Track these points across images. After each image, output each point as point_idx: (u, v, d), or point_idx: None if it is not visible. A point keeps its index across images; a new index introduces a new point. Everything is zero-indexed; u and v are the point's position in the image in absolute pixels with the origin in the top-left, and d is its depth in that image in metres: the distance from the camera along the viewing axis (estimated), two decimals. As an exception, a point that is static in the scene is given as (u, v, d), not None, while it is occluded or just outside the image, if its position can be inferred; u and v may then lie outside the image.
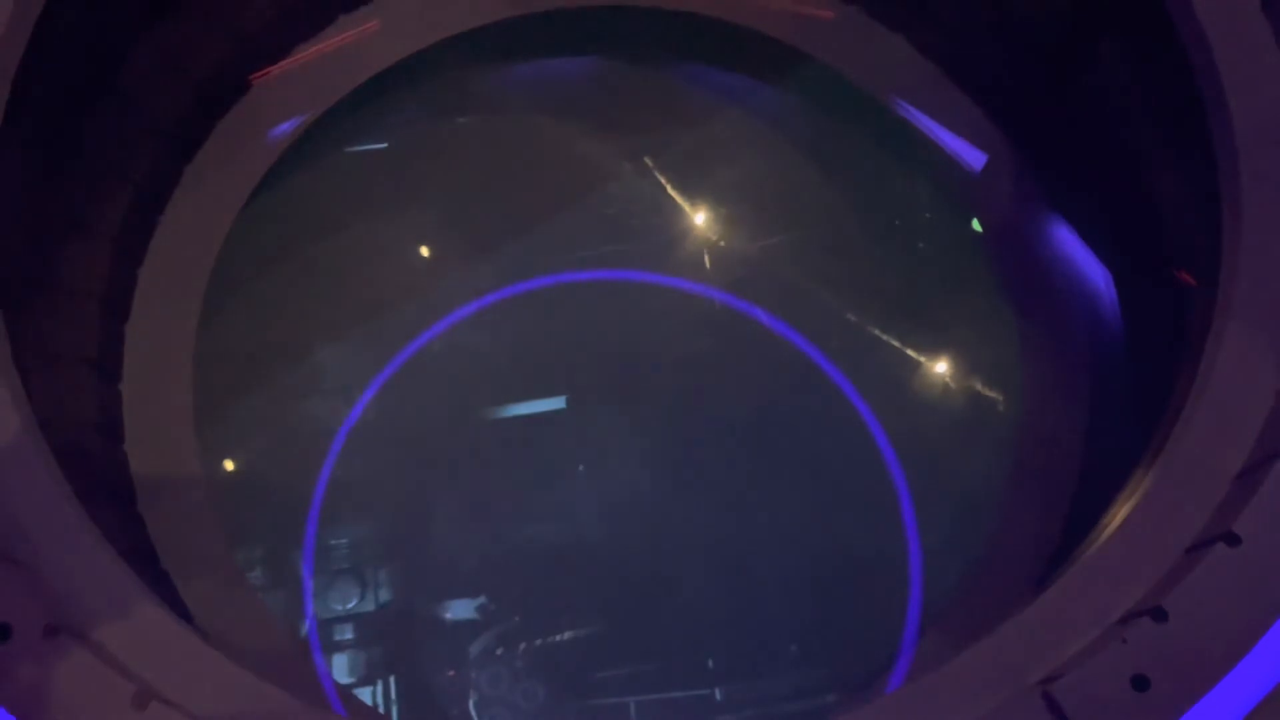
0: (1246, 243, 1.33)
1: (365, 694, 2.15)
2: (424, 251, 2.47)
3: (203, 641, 1.14)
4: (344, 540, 2.24)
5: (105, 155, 1.99)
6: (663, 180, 2.48)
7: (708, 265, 2.43)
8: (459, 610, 2.21)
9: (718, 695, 2.15)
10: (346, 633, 2.20)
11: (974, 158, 2.34)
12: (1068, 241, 2.21)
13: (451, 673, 2.17)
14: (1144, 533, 1.11)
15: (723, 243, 2.46)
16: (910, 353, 2.35)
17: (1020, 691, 1.04)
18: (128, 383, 2.03)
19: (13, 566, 1.06)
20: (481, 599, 2.21)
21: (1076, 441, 1.99)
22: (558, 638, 2.20)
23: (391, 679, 2.17)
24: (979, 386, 2.31)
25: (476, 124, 2.53)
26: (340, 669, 2.17)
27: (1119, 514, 1.22)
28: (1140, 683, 1.00)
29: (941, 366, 2.35)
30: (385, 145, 2.48)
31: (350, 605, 2.21)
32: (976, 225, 2.36)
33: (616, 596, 2.22)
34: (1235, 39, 1.44)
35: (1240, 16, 1.41)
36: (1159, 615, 1.03)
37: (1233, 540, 1.05)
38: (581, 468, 2.30)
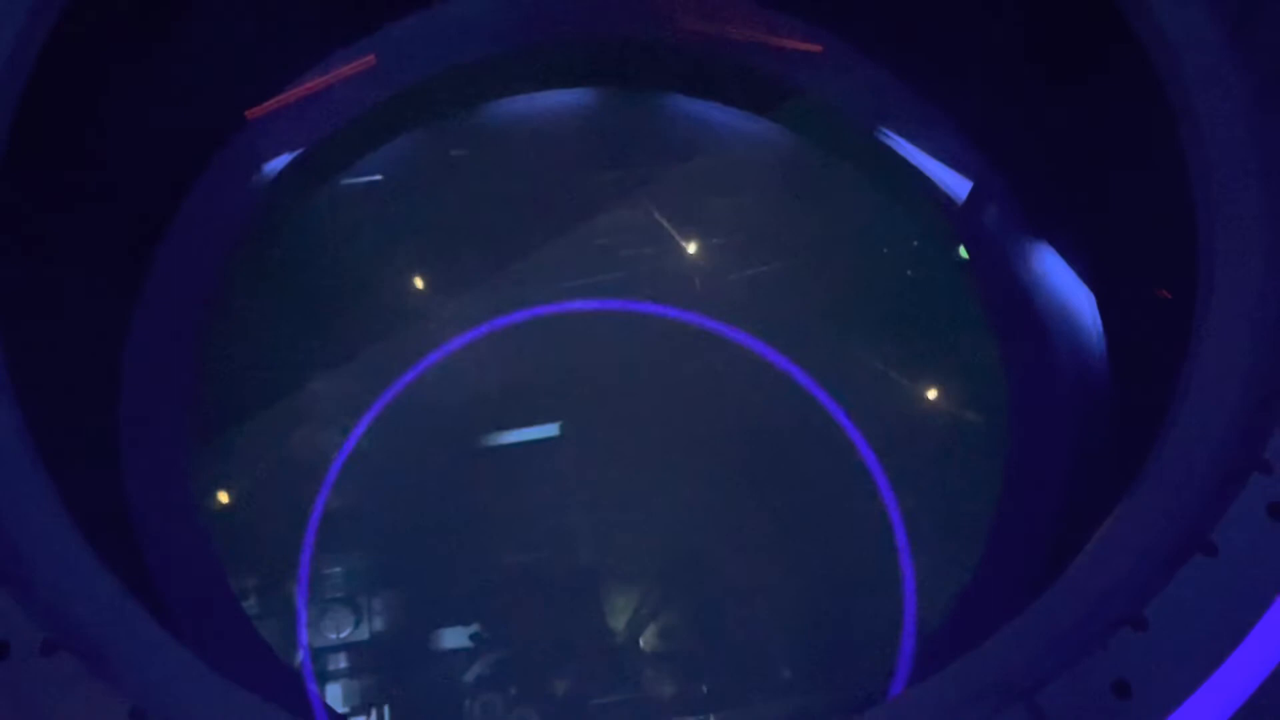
0: (1220, 265, 1.37)
1: (359, 722, 2.15)
2: (418, 283, 2.50)
3: (200, 661, 1.15)
4: (338, 569, 2.24)
5: (102, 187, 2.02)
6: (654, 211, 2.52)
7: (699, 294, 2.46)
8: (453, 638, 2.21)
9: (711, 721, 2.16)
10: (340, 661, 2.20)
11: (959, 186, 2.38)
12: (1052, 265, 2.25)
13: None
14: (1124, 544, 1.14)
15: (713, 272, 2.49)
16: (899, 378, 2.37)
17: (1004, 702, 1.06)
18: (125, 411, 2.05)
19: (11, 585, 1.08)
20: (475, 627, 2.21)
21: (1063, 459, 2.01)
22: (551, 665, 2.20)
23: (385, 707, 2.17)
24: (967, 410, 2.33)
25: (470, 156, 2.56)
26: (334, 698, 2.17)
27: (1103, 528, 1.24)
28: (1122, 689, 1.02)
29: (931, 391, 2.37)
30: (379, 178, 2.51)
31: (344, 634, 2.21)
32: (963, 252, 2.39)
33: (610, 623, 2.22)
34: (1204, 70, 1.49)
35: (1207, 48, 1.46)
36: (1139, 623, 1.05)
37: (1210, 550, 1.07)
38: (575, 495, 2.31)
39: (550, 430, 2.36)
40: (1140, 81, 1.63)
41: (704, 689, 2.17)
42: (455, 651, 2.20)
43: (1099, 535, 1.19)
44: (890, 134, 2.43)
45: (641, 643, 2.20)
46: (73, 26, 1.67)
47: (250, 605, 2.16)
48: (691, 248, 2.51)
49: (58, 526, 1.18)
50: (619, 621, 2.22)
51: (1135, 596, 1.08)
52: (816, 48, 2.45)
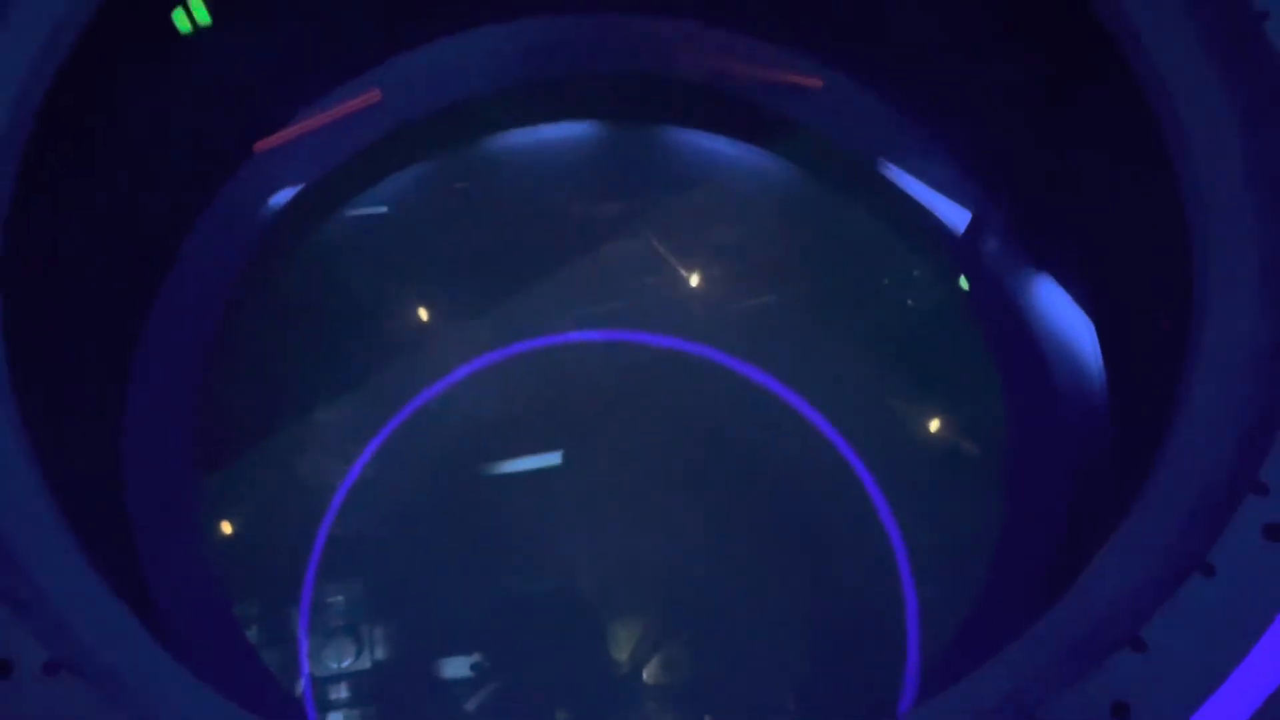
0: (1214, 292, 1.39)
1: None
2: (422, 313, 2.52)
3: (203, 685, 1.16)
4: (340, 597, 2.25)
5: (110, 218, 2.04)
6: (655, 241, 2.54)
7: (699, 324, 2.47)
8: (454, 668, 2.21)
9: (715, 751, 2.15)
10: (342, 691, 2.20)
11: (958, 216, 2.40)
12: (1051, 294, 2.27)
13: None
14: (1123, 566, 1.14)
15: (714, 302, 2.51)
16: (900, 407, 2.38)
17: (1003, 723, 1.06)
18: (130, 439, 2.06)
19: (14, 604, 1.09)
20: (476, 657, 2.21)
21: (1063, 485, 2.02)
22: (553, 696, 2.20)
23: (386, 737, 2.17)
24: (967, 437, 2.34)
25: (474, 188, 2.59)
26: (335, 728, 2.17)
27: (1102, 551, 1.25)
28: (1120, 710, 1.03)
29: (932, 419, 2.38)
30: (384, 209, 2.54)
31: (346, 663, 2.21)
32: (964, 283, 2.41)
33: (612, 654, 2.22)
34: (1196, 99, 1.51)
35: (1198, 77, 1.48)
36: (1137, 645, 1.05)
37: (1207, 571, 1.08)
38: (577, 525, 2.32)
39: (552, 459, 2.37)
40: (1136, 112, 1.65)
41: (706, 719, 2.16)
42: (457, 681, 2.19)
43: (1098, 558, 1.20)
44: (890, 165, 2.45)
45: (645, 674, 2.20)
46: (83, 60, 1.70)
47: (253, 633, 2.16)
48: (692, 278, 2.53)
49: (63, 548, 1.19)
50: (621, 652, 2.22)
51: (1134, 618, 1.09)
52: (816, 83, 2.48)
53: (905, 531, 2.23)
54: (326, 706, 2.17)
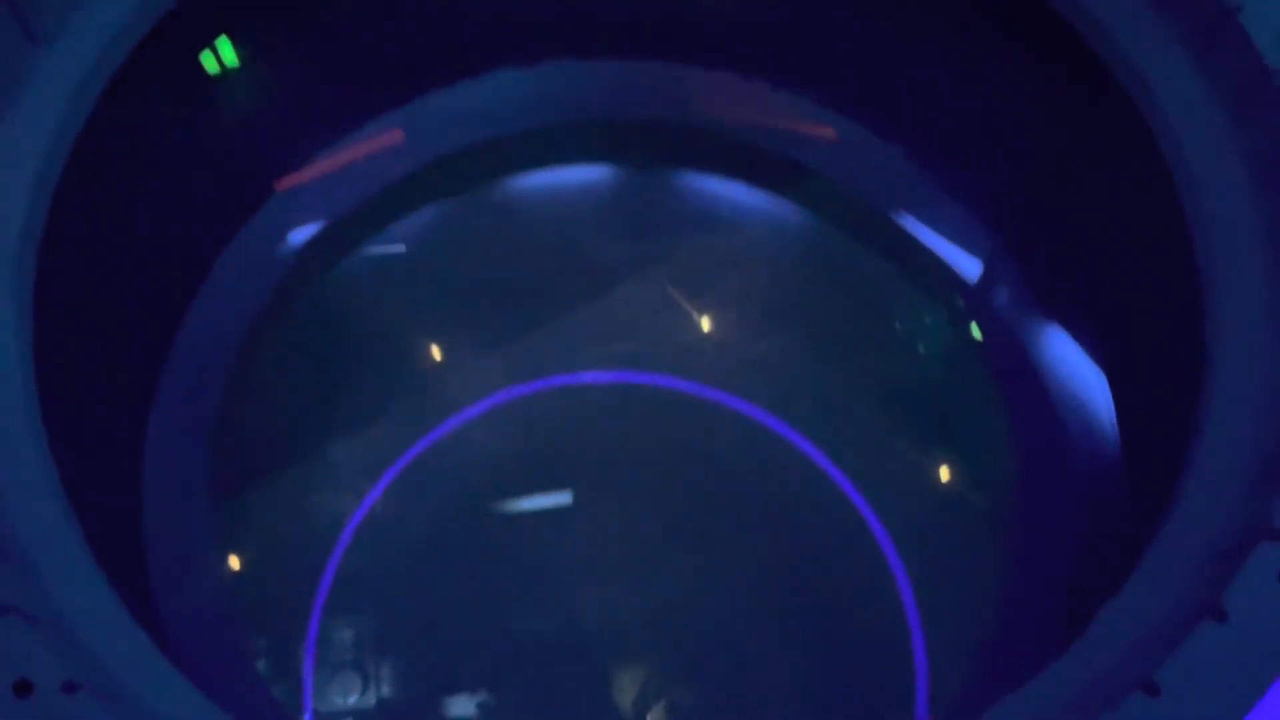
0: (1226, 340, 1.40)
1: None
2: (436, 352, 2.54)
3: (216, 707, 1.16)
4: (348, 633, 2.24)
5: (132, 253, 2.07)
6: (669, 285, 2.56)
7: (711, 367, 2.49)
8: (459, 707, 2.20)
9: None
10: (347, 728, 2.19)
11: (971, 266, 2.42)
12: (1062, 343, 2.28)
13: None
14: (1137, 610, 1.15)
15: (726, 346, 2.52)
16: (911, 453, 2.39)
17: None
18: (147, 473, 2.08)
19: (36, 625, 1.10)
20: (482, 695, 2.20)
21: (1074, 533, 2.02)
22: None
23: (391, 776, 2.15)
24: (978, 485, 2.34)
25: (491, 229, 2.62)
26: (340, 764, 2.15)
27: (1116, 597, 1.25)
28: (1135, 752, 1.03)
29: (942, 467, 2.38)
30: (402, 248, 2.57)
31: (352, 700, 2.20)
32: (976, 331, 2.42)
33: (617, 698, 2.21)
34: (1208, 153, 1.53)
35: (1211, 131, 1.51)
36: (1151, 688, 1.05)
37: (1220, 616, 1.08)
38: (585, 566, 2.32)
39: (563, 499, 2.37)
40: (1150, 166, 1.68)
41: (713, 764, 2.15)
42: (462, 720, 2.19)
43: (1112, 602, 1.20)
44: (903, 214, 2.48)
45: (649, 719, 2.19)
46: (116, 98, 1.73)
47: (262, 666, 2.16)
48: (705, 322, 2.55)
49: (84, 572, 1.20)
50: (626, 697, 2.20)
51: (1148, 662, 1.09)
52: (829, 131, 2.51)
53: (914, 577, 2.23)
54: (332, 743, 2.16)
